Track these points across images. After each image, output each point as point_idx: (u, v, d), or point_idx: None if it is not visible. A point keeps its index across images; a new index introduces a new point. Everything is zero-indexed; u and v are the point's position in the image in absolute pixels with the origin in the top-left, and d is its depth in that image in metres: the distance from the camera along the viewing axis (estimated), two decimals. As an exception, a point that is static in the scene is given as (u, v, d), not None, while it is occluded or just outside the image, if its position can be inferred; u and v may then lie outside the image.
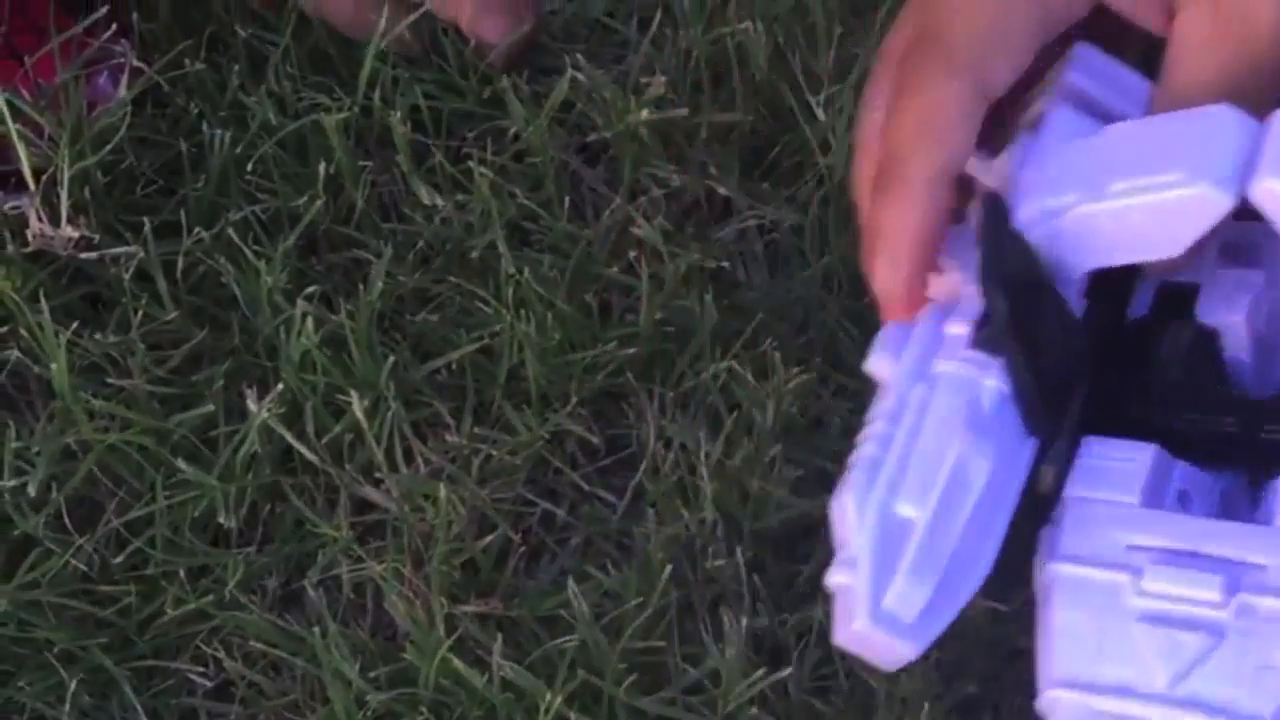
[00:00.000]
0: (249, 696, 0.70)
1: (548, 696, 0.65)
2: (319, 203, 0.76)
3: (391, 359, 0.73)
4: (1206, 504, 0.57)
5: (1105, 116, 0.62)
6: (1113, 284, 0.59)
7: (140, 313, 0.74)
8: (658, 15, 0.82)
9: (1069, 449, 0.57)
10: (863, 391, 0.75)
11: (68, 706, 0.68)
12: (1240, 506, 0.57)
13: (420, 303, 0.77)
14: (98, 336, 0.74)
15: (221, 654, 0.70)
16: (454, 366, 0.75)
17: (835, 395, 0.76)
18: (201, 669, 0.70)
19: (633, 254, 0.76)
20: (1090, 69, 0.63)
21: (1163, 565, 0.53)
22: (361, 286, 0.75)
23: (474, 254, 0.76)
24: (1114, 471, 0.56)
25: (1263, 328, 0.61)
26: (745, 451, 0.71)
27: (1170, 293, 0.60)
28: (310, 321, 0.72)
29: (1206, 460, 0.57)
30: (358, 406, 0.71)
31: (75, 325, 0.73)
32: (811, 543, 0.72)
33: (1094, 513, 0.55)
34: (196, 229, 0.77)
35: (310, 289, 0.75)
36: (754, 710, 0.67)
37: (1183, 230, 0.55)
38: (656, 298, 0.75)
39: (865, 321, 0.77)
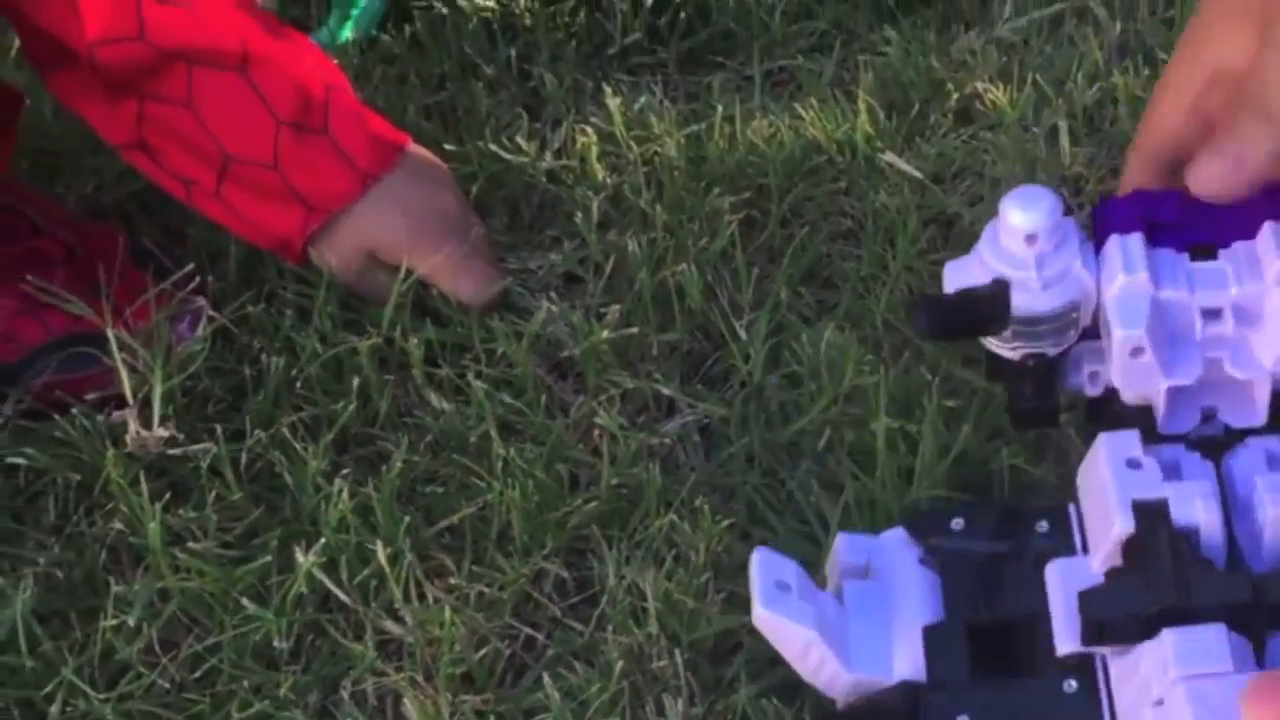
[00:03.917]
0: (297, 780, 0.86)
1: (528, 759, 0.82)
2: (351, 408, 0.95)
3: (408, 519, 0.91)
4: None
5: (879, 576, 0.85)
6: None
7: (213, 494, 0.93)
8: (610, 264, 1.02)
9: None
10: (777, 545, 0.92)
11: (156, 791, 0.85)
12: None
13: (430, 480, 0.95)
14: (180, 512, 0.92)
15: (275, 749, 0.87)
16: (456, 527, 0.92)
17: (756, 544, 0.93)
18: (260, 759, 0.87)
19: (596, 433, 0.94)
20: (853, 548, 0.86)
21: None
22: (385, 468, 0.93)
23: (472, 440, 0.95)
24: (1200, 650, 0.73)
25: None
26: (682, 580, 0.89)
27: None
28: (345, 492, 0.90)
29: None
30: (382, 555, 0.89)
31: (164, 501, 0.92)
32: (737, 650, 0.88)
33: (1204, 686, 0.72)
34: (256, 432, 0.95)
35: (345, 471, 0.93)
36: (689, 769, 0.83)
37: None
38: (613, 469, 0.93)
39: (777, 489, 0.95)
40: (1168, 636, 0.73)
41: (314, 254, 0.99)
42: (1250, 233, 0.81)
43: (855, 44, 1.18)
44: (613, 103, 1.08)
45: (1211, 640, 0.73)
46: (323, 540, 0.90)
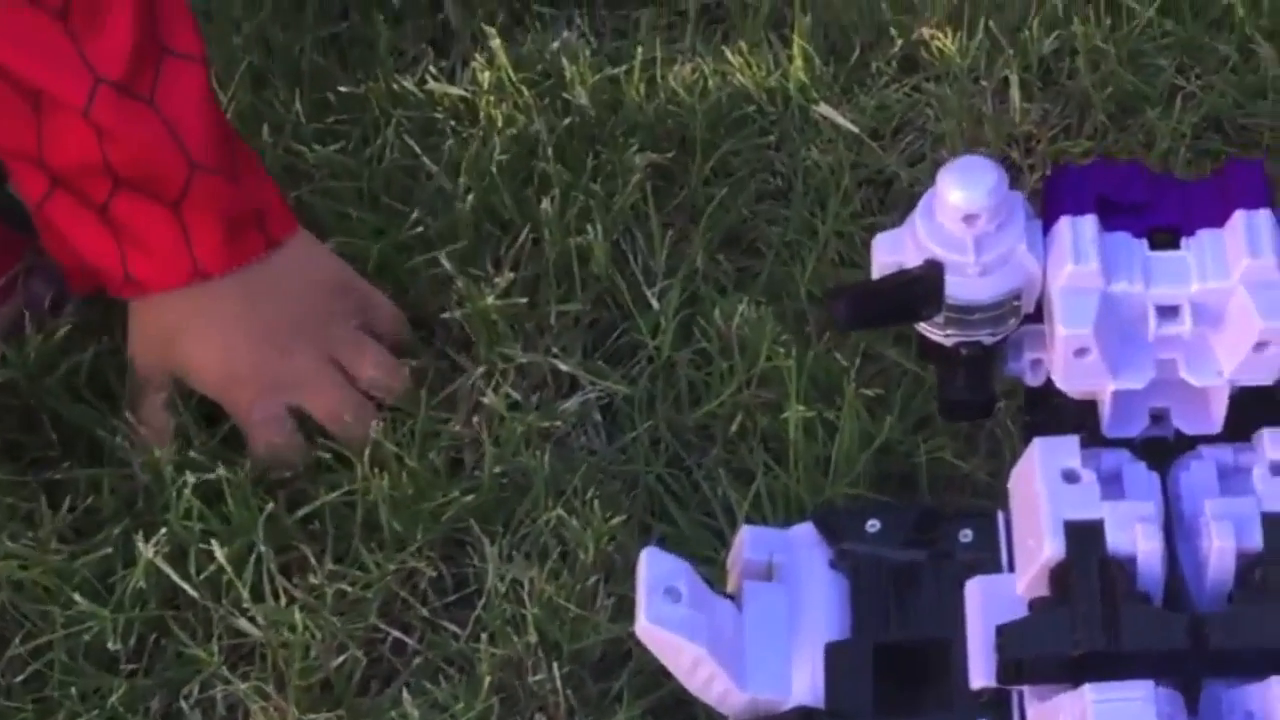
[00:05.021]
0: (128, 800, 0.76)
1: (377, 790, 0.71)
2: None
3: (270, 505, 0.80)
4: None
5: (784, 579, 0.74)
6: None
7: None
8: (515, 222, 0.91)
9: None
10: (679, 539, 0.82)
11: (-32, 808, 0.74)
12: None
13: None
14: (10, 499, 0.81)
15: (105, 763, 0.76)
16: (321, 514, 0.82)
17: (658, 543, 0.82)
18: (87, 775, 0.76)
19: (475, 419, 0.83)
20: (757, 543, 0.74)
21: None
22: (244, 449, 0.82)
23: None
24: (1122, 713, 0.63)
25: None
26: (567, 583, 0.78)
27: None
28: (193, 479, 0.80)
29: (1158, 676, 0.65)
30: (219, 551, 0.78)
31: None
32: (626, 661, 0.78)
33: None
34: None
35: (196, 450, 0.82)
36: (561, 802, 0.72)
37: None
38: (496, 455, 0.82)
39: (682, 479, 0.84)
40: (1089, 694, 0.63)
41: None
42: (1219, 219, 0.70)
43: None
44: (495, 44, 0.96)
45: (1137, 702, 0.62)
46: (164, 530, 0.79)
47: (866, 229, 0.92)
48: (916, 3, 1.01)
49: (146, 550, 0.78)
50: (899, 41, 1.00)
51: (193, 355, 0.83)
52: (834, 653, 0.71)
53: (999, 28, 0.99)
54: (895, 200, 0.93)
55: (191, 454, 0.81)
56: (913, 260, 0.71)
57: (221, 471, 0.80)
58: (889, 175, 0.95)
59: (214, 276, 0.82)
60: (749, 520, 0.81)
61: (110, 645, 0.77)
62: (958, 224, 0.69)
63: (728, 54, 0.98)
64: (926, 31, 1.00)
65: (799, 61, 0.98)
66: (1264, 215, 0.70)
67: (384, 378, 0.84)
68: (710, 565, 0.79)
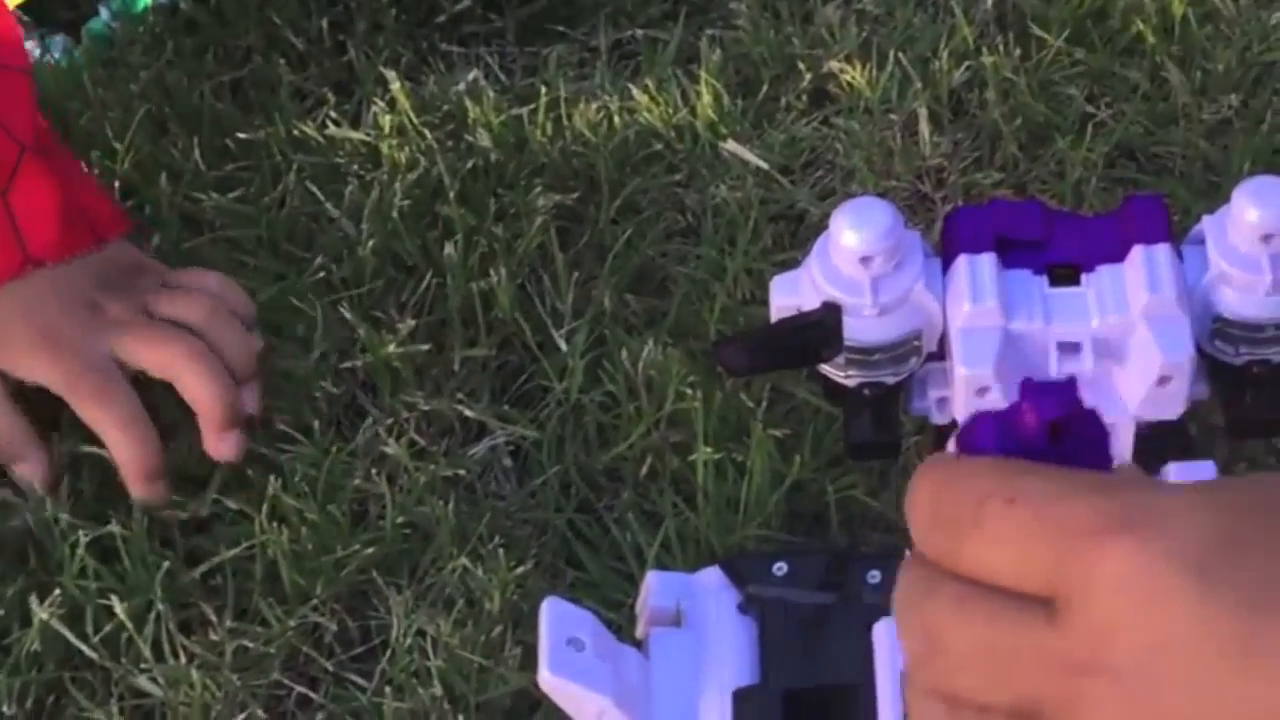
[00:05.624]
0: None
1: None
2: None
3: (166, 564, 0.78)
4: None
5: (692, 624, 0.73)
6: None
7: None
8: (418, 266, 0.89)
9: None
10: (590, 584, 0.81)
11: None
12: None
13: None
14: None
15: (1, 832, 0.74)
16: (221, 573, 0.80)
17: (569, 588, 0.81)
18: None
19: (374, 470, 0.82)
20: (664, 588, 0.73)
21: None
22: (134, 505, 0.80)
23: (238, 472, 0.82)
24: None
25: None
26: (470, 634, 0.77)
27: None
28: (86, 536, 0.78)
29: None
30: (119, 608, 0.76)
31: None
32: (535, 710, 0.77)
33: None
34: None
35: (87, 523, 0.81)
36: None
37: None
38: (398, 507, 0.80)
39: (593, 523, 0.83)
40: None
41: None
42: (1119, 255, 0.70)
43: (713, 11, 1.05)
44: (396, 87, 0.95)
45: None
46: (58, 591, 0.77)
47: (777, 265, 0.91)
48: (826, 36, 1.01)
49: (41, 612, 0.76)
50: (808, 75, 0.99)
51: (16, 342, 0.81)
52: (742, 699, 0.70)
53: (909, 59, 0.99)
54: (806, 235, 0.93)
55: (80, 518, 0.80)
56: (810, 302, 0.70)
57: (115, 527, 0.78)
58: (799, 210, 0.94)
59: (46, 264, 0.81)
60: (659, 564, 0.80)
61: (5, 709, 0.75)
62: (853, 266, 0.68)
63: (634, 91, 0.98)
64: (836, 65, 0.99)
65: (707, 98, 0.97)
66: (1163, 250, 0.69)
67: (197, 308, 0.83)
68: (620, 610, 0.78)
